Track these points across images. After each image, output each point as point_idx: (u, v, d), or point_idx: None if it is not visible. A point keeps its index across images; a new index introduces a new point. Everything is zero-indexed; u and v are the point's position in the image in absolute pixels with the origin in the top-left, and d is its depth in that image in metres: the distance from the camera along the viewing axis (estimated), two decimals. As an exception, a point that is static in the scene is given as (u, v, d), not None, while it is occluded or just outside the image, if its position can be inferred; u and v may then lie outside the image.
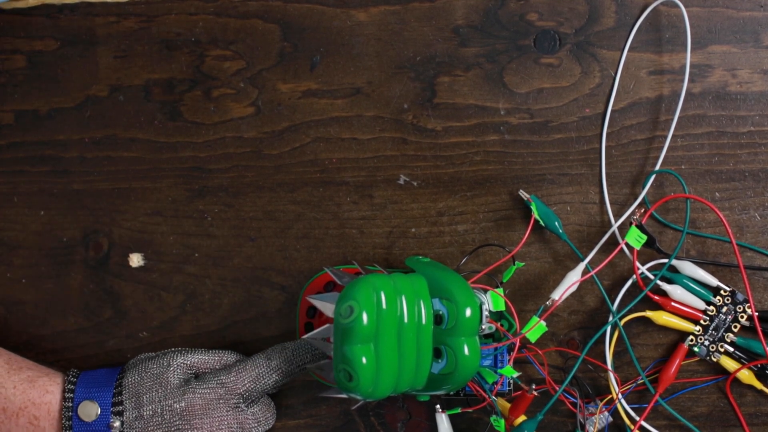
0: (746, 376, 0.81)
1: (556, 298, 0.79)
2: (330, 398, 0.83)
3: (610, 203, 0.82)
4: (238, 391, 0.78)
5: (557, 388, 0.78)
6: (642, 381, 0.81)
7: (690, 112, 0.82)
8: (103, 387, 0.78)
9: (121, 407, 0.77)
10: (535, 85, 0.83)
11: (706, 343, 0.81)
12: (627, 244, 0.79)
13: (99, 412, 0.77)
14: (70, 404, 0.77)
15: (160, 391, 0.78)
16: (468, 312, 0.74)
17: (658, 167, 0.82)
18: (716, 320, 0.81)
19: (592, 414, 0.81)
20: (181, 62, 0.84)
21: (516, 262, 0.81)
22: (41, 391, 0.78)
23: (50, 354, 0.85)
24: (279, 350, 0.79)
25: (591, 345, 0.79)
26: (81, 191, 0.84)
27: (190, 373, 0.79)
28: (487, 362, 0.79)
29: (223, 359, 0.80)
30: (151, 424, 0.77)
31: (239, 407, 0.78)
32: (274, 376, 0.79)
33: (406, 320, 0.74)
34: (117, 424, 0.77)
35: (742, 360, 0.81)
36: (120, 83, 0.84)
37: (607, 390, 0.82)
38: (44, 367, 0.80)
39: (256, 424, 0.79)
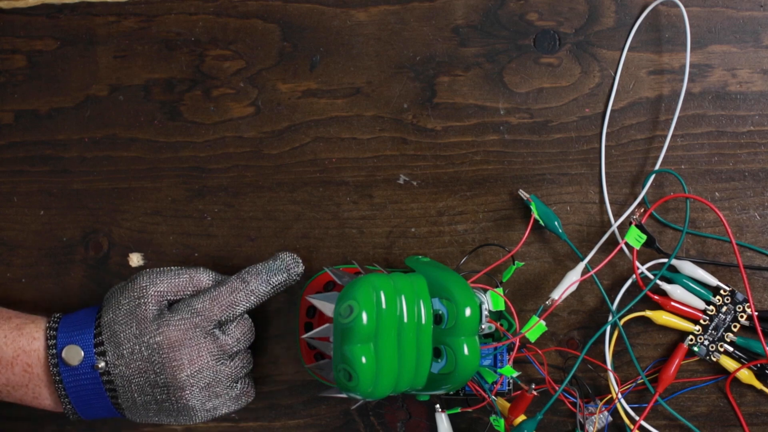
0: (746, 375, 0.81)
1: (556, 298, 0.79)
2: (330, 398, 0.83)
3: (610, 203, 0.82)
4: (214, 318, 0.78)
5: (557, 388, 0.78)
6: (642, 381, 0.81)
7: (690, 112, 0.82)
8: (84, 329, 0.78)
9: (102, 347, 0.77)
10: (535, 85, 0.83)
11: (706, 342, 0.81)
12: (627, 244, 0.79)
13: (83, 356, 0.77)
14: (54, 351, 0.77)
15: (134, 327, 0.77)
16: (468, 312, 0.74)
17: (657, 167, 0.82)
18: (716, 320, 0.81)
19: (592, 414, 0.81)
20: (181, 62, 0.84)
21: (516, 262, 0.81)
22: (29, 338, 0.78)
23: (50, 354, 0.85)
24: (254, 273, 0.79)
25: (591, 345, 0.79)
26: (81, 191, 0.84)
27: (163, 302, 0.79)
28: (487, 362, 0.79)
29: (195, 279, 0.79)
30: (132, 361, 0.77)
31: (215, 332, 0.78)
32: (251, 298, 0.78)
33: (405, 320, 0.74)
34: (102, 364, 0.77)
35: (742, 360, 0.81)
36: (120, 83, 0.84)
37: (607, 390, 0.82)
38: (30, 315, 0.80)
39: (236, 343, 0.79)
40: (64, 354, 0.77)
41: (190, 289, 0.79)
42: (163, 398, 0.77)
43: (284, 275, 0.79)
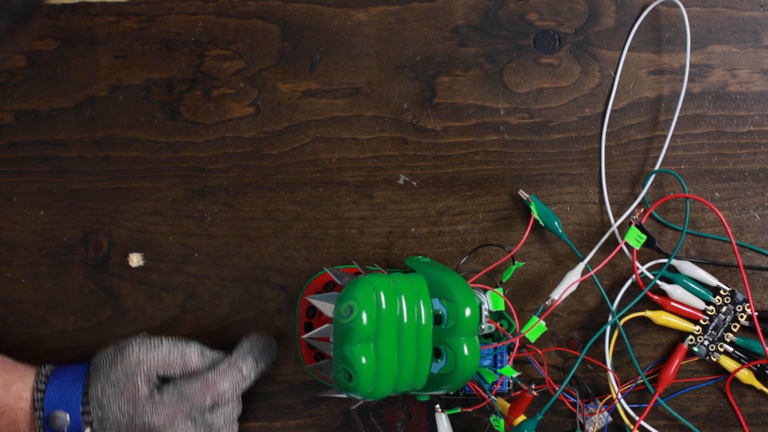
0: (746, 376, 0.81)
1: (556, 298, 0.79)
2: (330, 398, 0.83)
3: (610, 203, 0.82)
4: (205, 404, 0.77)
5: (557, 388, 0.78)
6: (642, 381, 0.81)
7: (690, 112, 0.82)
8: (71, 394, 0.78)
9: (89, 417, 0.77)
10: (535, 85, 0.83)
11: (706, 343, 0.81)
12: (627, 244, 0.79)
13: (69, 422, 0.77)
14: (41, 414, 0.78)
15: (124, 404, 0.77)
16: (467, 312, 0.74)
17: (657, 167, 0.82)
18: (716, 320, 0.81)
19: (592, 414, 0.81)
20: (181, 62, 0.84)
21: (516, 262, 0.81)
22: (15, 397, 0.78)
23: (50, 354, 0.85)
24: (243, 356, 0.79)
25: (591, 345, 0.79)
26: (81, 191, 0.84)
27: (153, 380, 0.78)
28: (487, 362, 0.79)
29: (185, 356, 0.79)
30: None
31: (204, 416, 0.78)
32: (242, 385, 0.79)
33: (405, 320, 0.74)
34: (87, 430, 0.77)
35: (742, 360, 0.81)
36: (120, 83, 0.84)
37: (607, 390, 0.82)
38: (19, 365, 0.80)
39: (223, 422, 0.79)
40: (50, 421, 0.77)
41: (179, 365, 0.79)
42: None
43: (267, 358, 0.80)
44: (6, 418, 0.78)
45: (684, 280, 0.81)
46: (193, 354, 0.79)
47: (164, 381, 0.79)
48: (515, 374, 0.79)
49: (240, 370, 0.78)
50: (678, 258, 0.81)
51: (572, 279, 0.79)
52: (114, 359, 0.78)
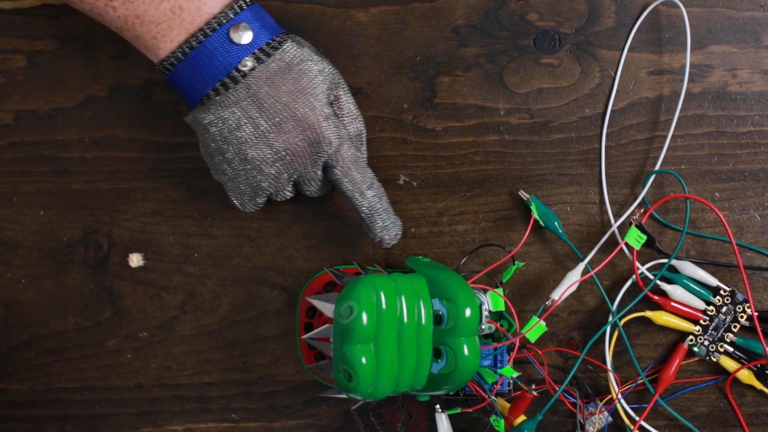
0: (746, 376, 0.81)
1: (556, 298, 0.79)
2: (330, 398, 0.83)
3: (610, 203, 0.82)
4: (336, 162, 0.77)
5: (557, 388, 0.78)
6: (642, 381, 0.81)
7: (690, 112, 0.82)
8: (268, 27, 0.77)
9: (265, 57, 0.76)
10: (535, 85, 0.83)
11: (706, 343, 0.81)
12: (627, 244, 0.79)
13: (250, 41, 0.76)
14: (232, 14, 0.76)
15: (302, 84, 0.76)
16: (468, 312, 0.74)
17: (657, 167, 0.82)
18: (716, 320, 0.81)
19: (592, 414, 0.81)
20: (181, 62, 0.84)
21: (516, 262, 0.81)
22: None
23: (50, 354, 0.85)
24: (377, 195, 0.79)
25: (591, 345, 0.79)
26: (81, 191, 0.84)
27: (330, 101, 0.78)
28: (487, 362, 0.79)
29: (356, 122, 0.80)
30: (270, 96, 0.76)
31: (320, 164, 0.78)
32: (355, 194, 0.78)
33: (405, 320, 0.74)
34: (250, 64, 0.76)
35: (742, 360, 0.81)
36: (120, 83, 0.84)
37: (607, 390, 0.82)
38: None
39: (313, 184, 0.79)
40: (233, 27, 0.75)
41: (352, 127, 0.80)
42: (239, 135, 0.76)
43: (377, 225, 0.79)
44: (173, 1, 0.75)
45: (684, 281, 0.81)
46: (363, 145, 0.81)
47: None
48: (515, 374, 0.79)
49: (365, 164, 0.79)
50: (678, 258, 0.81)
51: (572, 279, 0.79)
52: (323, 55, 0.79)
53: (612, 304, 0.81)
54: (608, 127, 0.82)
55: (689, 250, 0.82)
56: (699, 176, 0.82)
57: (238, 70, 0.76)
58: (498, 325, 0.78)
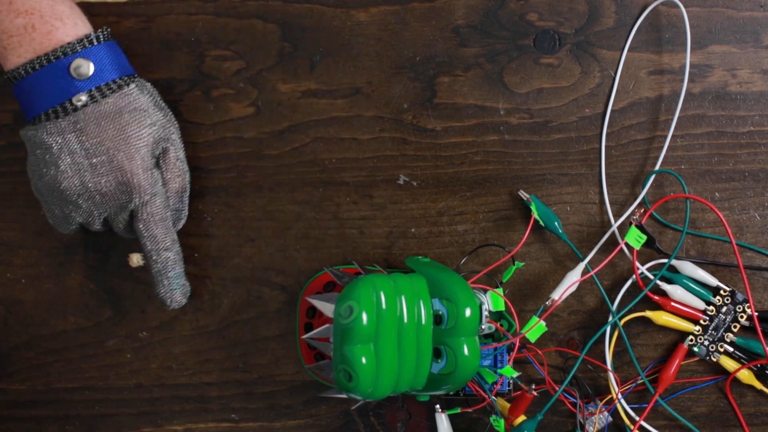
0: (746, 376, 0.81)
1: (556, 298, 0.79)
2: (330, 398, 0.83)
3: (610, 203, 0.82)
4: (143, 214, 0.79)
5: (557, 388, 0.78)
6: (642, 381, 0.81)
7: (690, 112, 0.82)
8: (115, 67, 0.78)
9: (100, 97, 0.77)
10: (535, 85, 0.83)
11: (706, 343, 0.81)
12: (627, 244, 0.79)
13: (88, 77, 0.77)
14: (79, 47, 0.77)
15: (127, 132, 0.78)
16: (468, 312, 0.74)
17: (657, 167, 0.82)
18: (716, 320, 0.81)
19: (592, 414, 0.81)
20: (181, 62, 0.84)
21: (516, 262, 0.81)
22: (58, 14, 0.77)
23: (50, 354, 0.85)
24: (173, 262, 0.80)
25: (591, 345, 0.79)
26: (81, 191, 0.84)
27: (155, 153, 0.79)
28: (487, 362, 0.79)
29: (177, 181, 0.81)
30: (93, 136, 0.77)
31: (127, 210, 0.79)
32: (151, 251, 0.79)
33: (405, 320, 0.74)
34: (84, 99, 0.77)
35: (742, 360, 0.81)
36: (120, 83, 0.84)
37: (607, 390, 0.82)
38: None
39: (117, 227, 0.80)
40: (78, 61, 0.77)
41: (172, 184, 0.81)
42: (58, 162, 0.77)
43: (163, 287, 0.80)
44: (28, 18, 0.76)
45: (684, 281, 0.81)
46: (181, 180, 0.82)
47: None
48: (515, 374, 0.79)
49: (170, 227, 0.80)
50: (678, 258, 0.81)
51: (572, 279, 0.79)
52: (157, 95, 0.80)
53: (612, 304, 0.81)
54: (608, 127, 0.82)
55: (689, 250, 0.82)
56: (699, 176, 0.82)
57: (71, 103, 0.77)
58: (498, 325, 0.78)
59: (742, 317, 0.81)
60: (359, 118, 0.83)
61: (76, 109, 0.77)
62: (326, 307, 0.76)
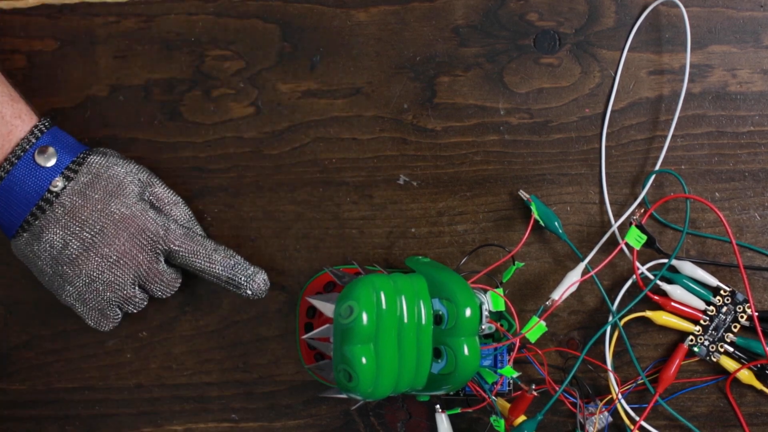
0: (746, 376, 0.81)
1: (556, 298, 0.79)
2: (330, 398, 0.83)
3: (610, 203, 0.82)
4: (173, 246, 0.79)
5: (557, 388, 0.78)
6: (642, 381, 0.81)
7: (690, 112, 0.82)
8: (73, 146, 0.78)
9: (73, 175, 0.77)
10: (535, 85, 0.83)
11: (706, 343, 0.81)
12: (627, 244, 0.79)
13: (53, 163, 0.77)
14: (34, 139, 0.77)
15: (112, 186, 0.78)
16: (468, 312, 0.74)
17: (658, 167, 0.82)
18: (716, 320, 0.81)
19: (592, 414, 0.81)
20: (181, 62, 0.84)
21: (516, 262, 0.81)
22: (15, 113, 0.78)
23: (50, 354, 0.85)
24: (227, 255, 0.79)
25: (591, 345, 0.79)
26: (81, 191, 0.84)
27: (148, 199, 0.79)
28: (487, 362, 0.79)
29: (178, 207, 0.81)
30: (80, 211, 0.77)
31: (159, 258, 0.79)
32: (205, 264, 0.79)
33: (405, 320, 0.74)
34: (60, 185, 0.77)
35: (742, 360, 0.81)
36: (120, 83, 0.84)
37: (607, 390, 0.82)
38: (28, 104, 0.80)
39: (158, 282, 0.79)
40: (39, 151, 0.77)
41: (173, 207, 0.80)
42: (68, 253, 0.77)
43: (241, 280, 0.79)
44: None
45: (684, 281, 0.81)
46: (182, 212, 0.81)
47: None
48: (515, 374, 0.79)
49: (216, 251, 0.79)
50: (678, 258, 0.81)
51: (572, 279, 0.79)
52: (127, 160, 0.80)
53: (612, 304, 0.81)
54: (608, 127, 0.82)
55: (689, 250, 0.82)
56: (699, 176, 0.82)
57: (51, 192, 0.77)
58: (498, 325, 0.78)
59: (742, 317, 0.81)
60: (359, 118, 0.83)
61: (57, 195, 0.77)
62: (326, 307, 0.76)
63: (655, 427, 0.82)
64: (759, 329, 0.79)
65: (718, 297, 0.81)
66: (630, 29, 0.82)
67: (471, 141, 0.83)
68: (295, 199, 0.83)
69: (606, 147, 0.82)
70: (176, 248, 0.79)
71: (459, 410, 0.80)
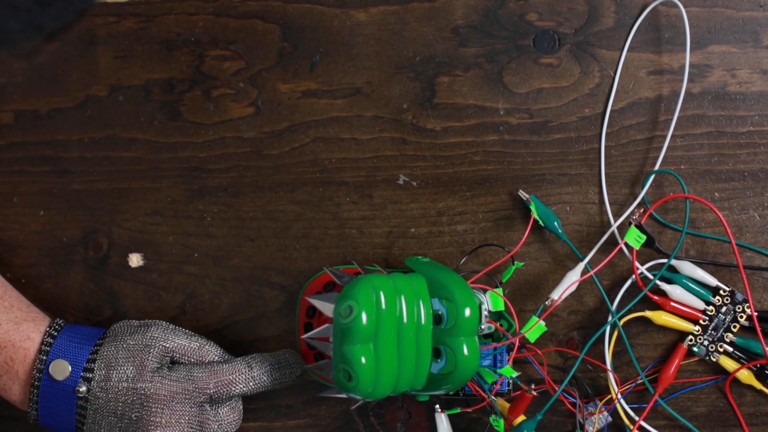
0: (746, 376, 0.81)
1: (556, 298, 0.79)
2: (330, 398, 0.83)
3: (610, 203, 0.82)
4: (208, 391, 0.77)
5: (557, 388, 0.78)
6: (641, 381, 0.81)
7: (689, 112, 0.82)
8: (80, 348, 0.78)
9: (91, 374, 0.77)
10: (534, 85, 0.83)
11: (706, 343, 0.81)
12: (626, 244, 0.79)
13: (69, 373, 0.77)
14: (45, 358, 0.77)
15: (131, 369, 0.77)
16: (467, 312, 0.74)
17: (657, 167, 0.82)
18: (715, 320, 0.81)
19: (592, 414, 0.81)
20: (181, 62, 0.84)
21: (515, 262, 0.81)
22: (23, 335, 0.78)
23: (50, 354, 0.85)
24: (260, 360, 0.78)
25: (590, 345, 0.79)
26: (81, 191, 0.84)
27: (167, 357, 0.79)
28: (487, 362, 0.79)
29: (203, 350, 0.79)
30: (113, 399, 0.77)
31: (204, 406, 0.77)
32: (250, 384, 0.78)
33: (405, 320, 0.74)
34: (83, 389, 0.77)
35: (742, 360, 0.81)
36: (120, 83, 0.84)
37: (607, 390, 0.82)
38: (35, 309, 0.80)
39: (217, 426, 0.78)
40: (51, 366, 0.77)
41: (195, 356, 0.79)
42: (126, 423, 0.77)
43: (286, 371, 0.79)
44: (4, 353, 0.77)
45: (684, 280, 0.81)
46: (211, 351, 0.79)
47: (176, 363, 0.79)
48: (515, 374, 0.79)
49: (250, 368, 0.78)
50: (678, 258, 0.81)
51: (572, 279, 0.79)
52: (135, 329, 0.79)
53: (612, 304, 0.81)
54: (608, 127, 0.82)
55: (689, 250, 0.82)
56: (699, 176, 0.82)
57: (80, 396, 0.77)
58: (497, 325, 0.79)
59: (741, 317, 0.81)
60: (359, 118, 0.83)
61: (88, 394, 0.77)
62: (326, 307, 0.76)
63: (654, 427, 0.82)
64: (758, 329, 0.79)
65: (718, 297, 0.81)
66: (629, 29, 0.82)
67: (471, 141, 0.83)
68: (294, 199, 0.83)
69: (605, 147, 0.82)
70: (213, 391, 0.77)
71: (458, 410, 0.80)
